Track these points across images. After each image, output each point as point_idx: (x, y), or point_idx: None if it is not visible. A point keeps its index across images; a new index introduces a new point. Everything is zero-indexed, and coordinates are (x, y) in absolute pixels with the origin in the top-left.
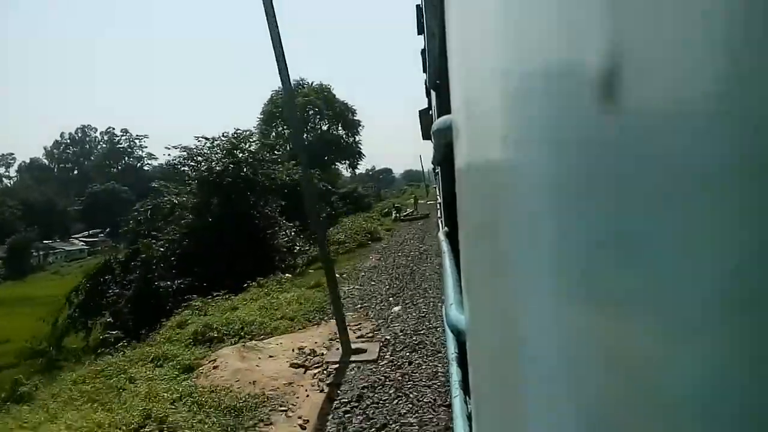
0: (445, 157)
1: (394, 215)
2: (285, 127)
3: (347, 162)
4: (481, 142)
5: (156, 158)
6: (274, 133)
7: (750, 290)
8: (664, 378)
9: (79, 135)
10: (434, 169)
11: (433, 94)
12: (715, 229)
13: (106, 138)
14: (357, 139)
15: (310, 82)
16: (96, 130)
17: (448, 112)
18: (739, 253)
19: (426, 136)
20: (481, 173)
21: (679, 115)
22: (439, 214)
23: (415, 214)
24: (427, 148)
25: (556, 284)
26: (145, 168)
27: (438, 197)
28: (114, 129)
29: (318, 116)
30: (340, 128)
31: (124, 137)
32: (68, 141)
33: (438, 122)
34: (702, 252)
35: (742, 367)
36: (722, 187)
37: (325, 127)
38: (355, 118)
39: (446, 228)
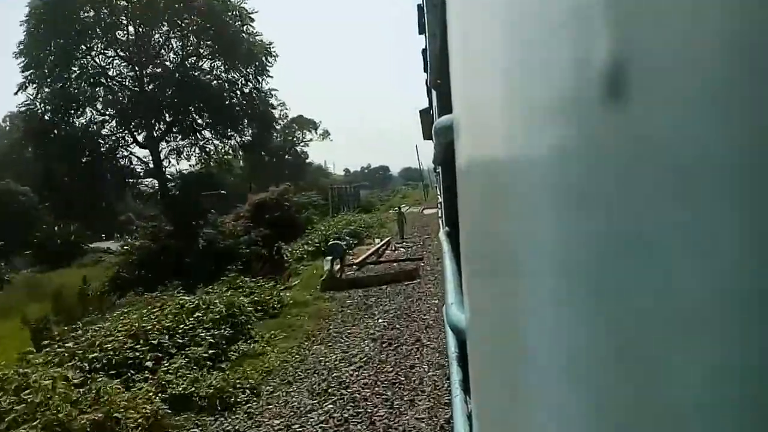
0: (446, 156)
1: (328, 267)
2: (67, 52)
3: (249, 130)
4: (482, 142)
5: None
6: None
7: (758, 291)
8: (666, 378)
9: None
10: (435, 168)
11: (434, 93)
12: (723, 229)
13: None
14: (266, 86)
15: None
16: None
17: (449, 111)
18: (747, 253)
19: (427, 135)
20: (482, 172)
21: (686, 113)
22: (439, 214)
23: (392, 256)
24: (425, 141)
25: (557, 284)
26: None
27: (439, 197)
28: None
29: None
30: (227, 65)
31: None
32: None
33: (439, 121)
34: (709, 252)
35: (746, 368)
36: (730, 186)
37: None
38: (257, 38)
39: (447, 228)
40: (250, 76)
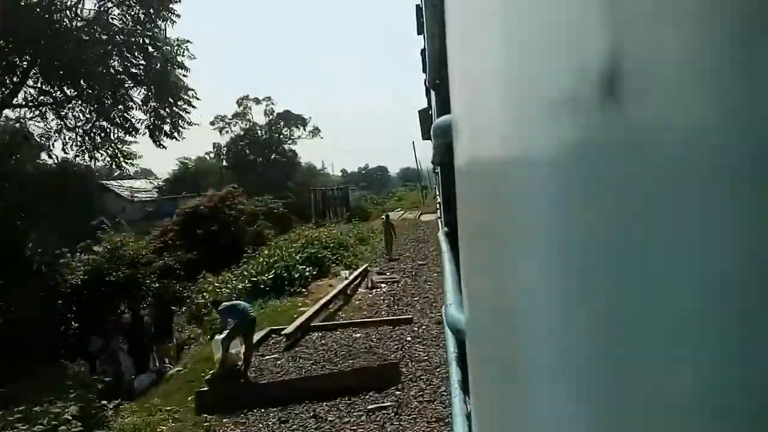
0: (444, 157)
1: (219, 356)
2: None
3: (148, 103)
4: (480, 142)
5: None
6: None
7: (757, 292)
8: (664, 379)
9: None
10: (434, 169)
11: (432, 93)
12: (720, 231)
13: None
14: (171, 35)
15: None
16: None
17: (448, 112)
18: (747, 253)
19: (426, 135)
20: (480, 173)
21: (683, 113)
22: (439, 215)
23: (366, 302)
24: (423, 141)
25: (556, 284)
26: None
27: (438, 198)
28: None
29: None
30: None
31: None
32: None
33: (438, 122)
34: (708, 251)
35: (745, 369)
36: (729, 186)
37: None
38: None
39: (446, 228)
40: (141, 17)
